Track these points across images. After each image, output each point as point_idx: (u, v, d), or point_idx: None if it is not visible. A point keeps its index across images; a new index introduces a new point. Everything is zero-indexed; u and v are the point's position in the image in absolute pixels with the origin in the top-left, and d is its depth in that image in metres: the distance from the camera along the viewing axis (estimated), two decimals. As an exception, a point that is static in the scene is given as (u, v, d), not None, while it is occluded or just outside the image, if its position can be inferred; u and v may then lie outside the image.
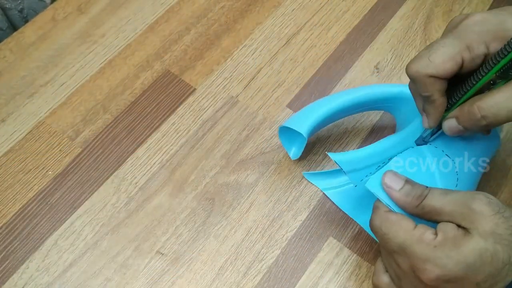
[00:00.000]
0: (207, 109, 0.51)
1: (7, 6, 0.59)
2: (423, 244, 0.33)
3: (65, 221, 0.45)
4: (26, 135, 0.49)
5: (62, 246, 0.44)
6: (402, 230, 0.34)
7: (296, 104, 0.51)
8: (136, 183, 0.47)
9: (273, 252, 0.44)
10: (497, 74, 0.32)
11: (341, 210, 0.45)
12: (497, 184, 0.47)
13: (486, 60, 0.34)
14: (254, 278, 0.42)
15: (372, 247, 0.44)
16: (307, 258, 0.43)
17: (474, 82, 0.34)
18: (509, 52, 0.31)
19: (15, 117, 0.50)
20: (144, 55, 0.54)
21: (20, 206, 0.45)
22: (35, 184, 0.46)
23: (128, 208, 0.45)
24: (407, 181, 0.36)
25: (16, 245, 0.44)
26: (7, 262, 0.43)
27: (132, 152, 0.48)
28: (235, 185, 0.47)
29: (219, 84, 0.52)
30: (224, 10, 0.57)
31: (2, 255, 0.43)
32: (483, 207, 0.32)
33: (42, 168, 0.47)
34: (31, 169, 0.47)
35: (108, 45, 0.55)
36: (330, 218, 0.45)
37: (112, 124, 0.50)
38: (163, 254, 0.43)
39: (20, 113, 0.50)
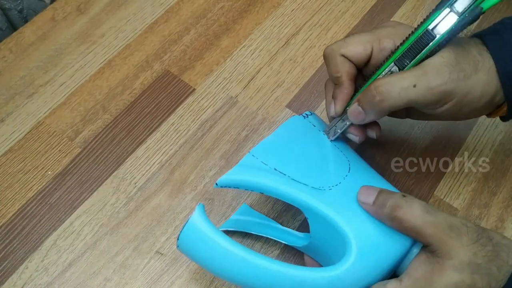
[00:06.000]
0: (207, 109, 0.51)
1: (6, 6, 0.59)
2: None
3: (64, 221, 0.45)
4: (25, 135, 0.49)
5: (61, 246, 0.44)
6: None
7: (295, 104, 0.51)
8: (135, 183, 0.47)
9: (272, 252, 0.44)
10: (395, 63, 0.36)
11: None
12: (496, 184, 0.47)
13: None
14: (253, 278, 0.42)
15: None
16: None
17: (377, 69, 0.37)
18: (405, 42, 0.36)
19: (14, 117, 0.50)
20: (143, 55, 0.54)
21: (20, 206, 0.45)
22: (34, 184, 0.46)
23: (128, 208, 0.45)
24: (381, 191, 0.36)
25: (15, 245, 0.44)
26: (6, 262, 0.43)
27: (132, 152, 0.48)
28: (234, 185, 0.47)
29: (219, 84, 0.52)
30: (224, 10, 0.57)
31: (1, 255, 0.43)
32: (462, 237, 0.32)
33: (42, 168, 0.47)
34: (30, 169, 0.47)
35: (107, 45, 0.55)
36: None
37: (112, 124, 0.50)
38: (162, 254, 0.43)
39: (20, 113, 0.50)
